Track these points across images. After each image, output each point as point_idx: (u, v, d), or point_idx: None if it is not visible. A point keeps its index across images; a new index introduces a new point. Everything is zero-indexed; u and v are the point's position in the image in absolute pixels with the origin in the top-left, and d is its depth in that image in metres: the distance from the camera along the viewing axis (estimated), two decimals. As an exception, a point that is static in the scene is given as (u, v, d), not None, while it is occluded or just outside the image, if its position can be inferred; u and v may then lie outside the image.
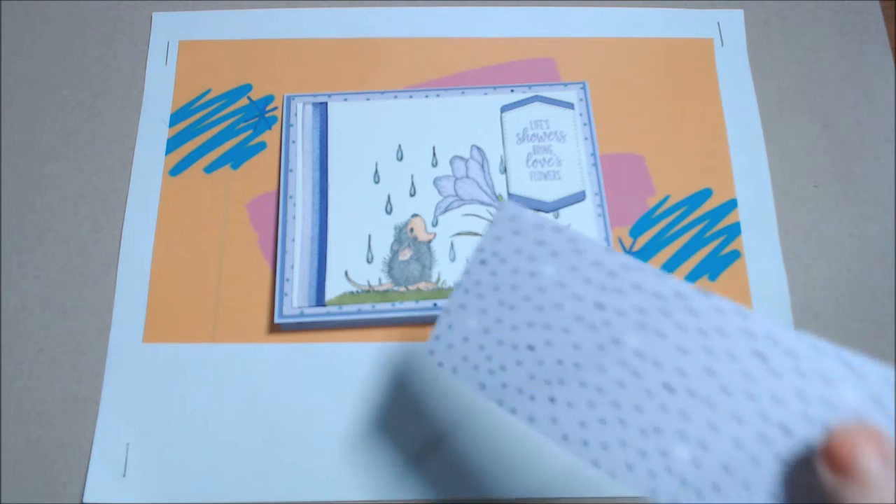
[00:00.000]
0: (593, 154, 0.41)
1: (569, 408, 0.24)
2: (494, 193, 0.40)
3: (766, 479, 0.22)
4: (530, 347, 0.26)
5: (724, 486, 0.22)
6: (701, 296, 0.23)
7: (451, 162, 0.41)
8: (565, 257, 0.25)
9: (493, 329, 0.26)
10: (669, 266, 0.40)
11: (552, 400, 0.25)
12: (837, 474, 0.20)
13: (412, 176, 0.41)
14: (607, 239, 0.39)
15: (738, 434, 0.22)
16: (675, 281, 0.23)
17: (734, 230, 0.41)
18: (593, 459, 0.24)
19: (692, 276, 0.40)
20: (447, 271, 0.39)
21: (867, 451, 0.20)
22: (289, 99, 0.43)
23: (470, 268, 0.27)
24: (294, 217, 0.40)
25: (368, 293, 0.38)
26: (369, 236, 0.39)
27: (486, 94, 0.43)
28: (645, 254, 0.40)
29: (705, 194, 0.42)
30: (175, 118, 0.43)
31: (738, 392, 0.22)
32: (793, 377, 0.22)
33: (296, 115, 0.42)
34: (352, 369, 0.38)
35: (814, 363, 0.22)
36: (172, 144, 0.43)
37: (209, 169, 0.42)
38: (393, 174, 0.41)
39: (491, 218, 0.27)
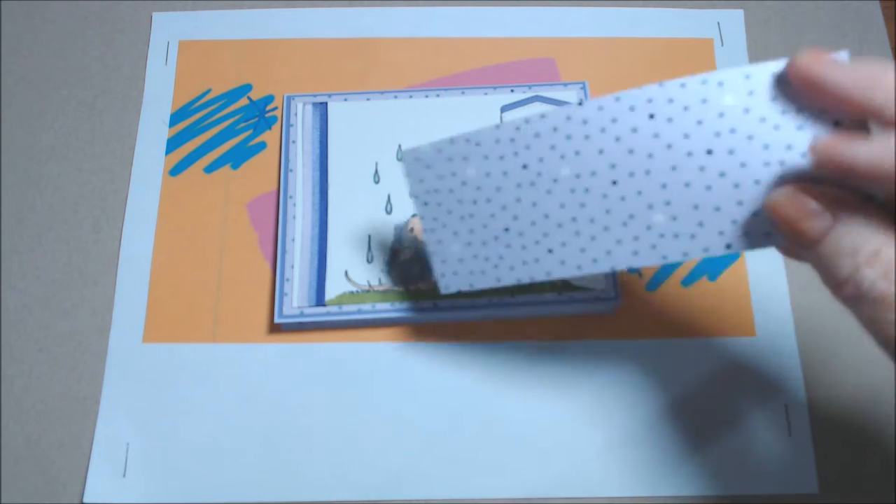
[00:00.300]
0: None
1: (563, 247, 0.28)
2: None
3: (735, 215, 0.25)
4: (506, 229, 0.30)
5: (700, 234, 0.26)
6: (575, 108, 0.27)
7: (451, 162, 0.41)
8: (473, 155, 0.29)
9: (472, 239, 0.31)
10: (673, 262, 0.40)
11: (550, 251, 0.29)
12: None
13: (412, 176, 0.41)
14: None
15: (697, 182, 0.26)
16: (556, 111, 0.28)
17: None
18: (604, 266, 0.28)
19: (691, 276, 0.40)
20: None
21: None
22: (289, 99, 0.43)
23: (421, 213, 0.31)
24: (294, 217, 0.40)
25: (368, 293, 0.38)
26: (369, 236, 0.39)
27: (486, 94, 0.43)
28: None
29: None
30: (175, 118, 0.43)
31: (677, 155, 0.26)
32: (700, 110, 0.25)
33: (296, 115, 0.42)
34: (352, 369, 0.38)
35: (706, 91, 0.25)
36: (172, 144, 0.43)
37: (209, 169, 0.42)
38: (393, 174, 0.41)
39: (405, 172, 0.31)
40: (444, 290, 0.32)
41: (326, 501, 0.36)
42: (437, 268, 0.32)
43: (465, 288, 0.31)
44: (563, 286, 0.38)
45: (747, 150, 0.25)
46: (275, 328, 0.39)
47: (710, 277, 0.40)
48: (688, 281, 0.40)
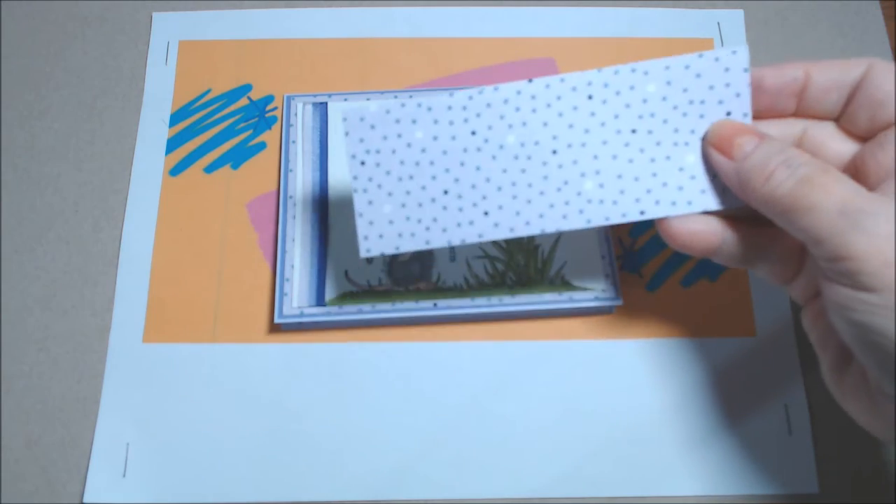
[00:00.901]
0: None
1: (500, 209, 0.30)
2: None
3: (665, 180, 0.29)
4: (445, 191, 0.31)
5: (622, 202, 0.30)
6: (525, 84, 0.30)
7: (451, 162, 0.41)
8: (422, 118, 0.31)
9: (407, 200, 0.31)
10: (673, 262, 0.40)
11: (486, 213, 0.31)
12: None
13: (412, 176, 0.41)
14: (607, 239, 0.39)
15: (622, 155, 0.30)
16: (508, 84, 0.30)
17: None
18: (535, 229, 0.30)
19: (691, 276, 0.40)
20: (447, 271, 0.39)
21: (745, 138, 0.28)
22: (289, 99, 0.43)
23: (355, 173, 0.32)
24: (294, 217, 0.40)
25: (368, 293, 0.38)
26: (369, 236, 0.39)
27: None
28: (645, 253, 0.40)
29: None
30: (175, 118, 0.43)
31: (608, 131, 0.30)
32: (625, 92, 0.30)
33: (296, 114, 0.42)
34: (352, 369, 0.38)
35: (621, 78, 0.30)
36: (172, 144, 0.43)
37: (209, 169, 0.42)
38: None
39: (346, 130, 0.32)
40: (364, 254, 0.32)
41: (326, 501, 0.36)
42: (363, 230, 0.32)
43: (389, 251, 0.31)
44: (563, 286, 0.38)
45: (662, 131, 0.29)
46: (275, 328, 0.39)
47: (711, 278, 0.40)
48: (688, 281, 0.40)
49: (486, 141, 0.30)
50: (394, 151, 0.31)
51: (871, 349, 0.24)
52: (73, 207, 0.42)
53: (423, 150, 0.31)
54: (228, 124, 0.43)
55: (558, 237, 0.39)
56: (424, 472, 0.36)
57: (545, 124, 0.30)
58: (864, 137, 0.29)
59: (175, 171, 0.42)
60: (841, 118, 0.29)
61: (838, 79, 0.28)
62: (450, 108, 0.31)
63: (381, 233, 0.32)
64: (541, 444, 0.37)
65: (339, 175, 0.41)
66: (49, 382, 0.38)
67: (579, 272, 0.39)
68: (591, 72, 0.30)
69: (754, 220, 0.29)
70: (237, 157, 0.42)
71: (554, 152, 0.30)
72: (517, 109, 0.30)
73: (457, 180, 0.31)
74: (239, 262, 0.40)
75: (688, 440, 0.37)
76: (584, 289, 0.38)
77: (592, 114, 0.30)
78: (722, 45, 0.45)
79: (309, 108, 0.42)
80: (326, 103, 0.43)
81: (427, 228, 0.31)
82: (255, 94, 0.44)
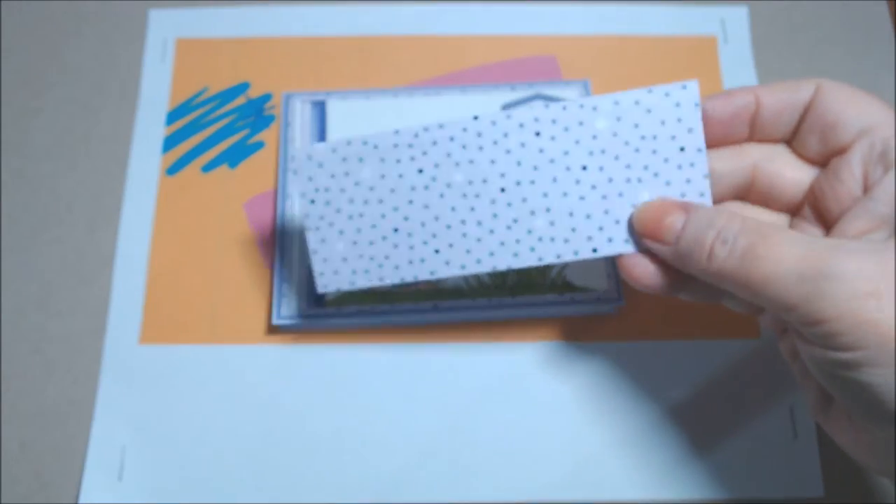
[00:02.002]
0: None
1: (450, 247, 0.30)
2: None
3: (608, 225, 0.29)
4: (395, 230, 0.31)
5: (574, 239, 0.29)
6: (471, 121, 0.30)
7: (451, 161, 0.41)
8: (369, 157, 0.31)
9: (358, 238, 0.31)
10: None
11: (437, 251, 0.31)
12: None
13: (412, 175, 0.40)
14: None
15: (572, 192, 0.29)
16: (453, 122, 0.30)
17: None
18: (486, 267, 0.30)
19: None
20: (447, 272, 0.38)
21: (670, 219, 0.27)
22: (287, 97, 0.42)
23: (306, 211, 0.32)
24: (293, 217, 0.39)
25: (368, 294, 0.38)
26: (368, 236, 0.39)
27: (486, 92, 0.42)
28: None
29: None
30: (172, 116, 0.43)
31: (558, 168, 0.29)
32: (567, 127, 0.29)
33: (294, 113, 0.42)
34: (351, 371, 0.38)
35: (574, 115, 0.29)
36: (169, 143, 0.42)
37: (206, 168, 0.42)
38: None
39: (294, 169, 0.33)
40: (321, 289, 0.32)
41: (325, 505, 0.36)
42: (318, 266, 0.32)
43: (345, 287, 0.32)
44: (565, 287, 0.38)
45: (614, 167, 0.29)
46: (273, 329, 0.38)
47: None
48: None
49: (434, 179, 0.30)
50: (342, 190, 0.31)
51: (855, 399, 0.23)
52: (68, 207, 0.41)
53: (372, 189, 0.31)
54: (226, 123, 0.43)
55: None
56: (423, 475, 0.36)
57: (492, 162, 0.30)
58: (818, 161, 0.28)
59: (172, 170, 0.42)
60: (793, 141, 0.29)
61: (788, 100, 0.28)
62: (395, 146, 0.30)
63: (335, 269, 0.32)
64: (542, 446, 0.36)
65: (338, 174, 0.40)
66: (44, 384, 0.38)
67: (581, 273, 0.38)
68: (538, 107, 0.29)
69: None
70: (235, 156, 0.42)
71: (502, 190, 0.30)
72: (464, 147, 0.30)
73: (406, 218, 0.31)
74: (236, 262, 0.40)
75: (691, 443, 0.36)
76: (586, 290, 0.38)
77: (541, 150, 0.29)
78: (726, 42, 0.45)
79: (308, 106, 0.42)
80: (325, 101, 0.42)
81: (380, 266, 0.31)
82: (253, 93, 0.43)
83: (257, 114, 0.43)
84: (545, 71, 0.44)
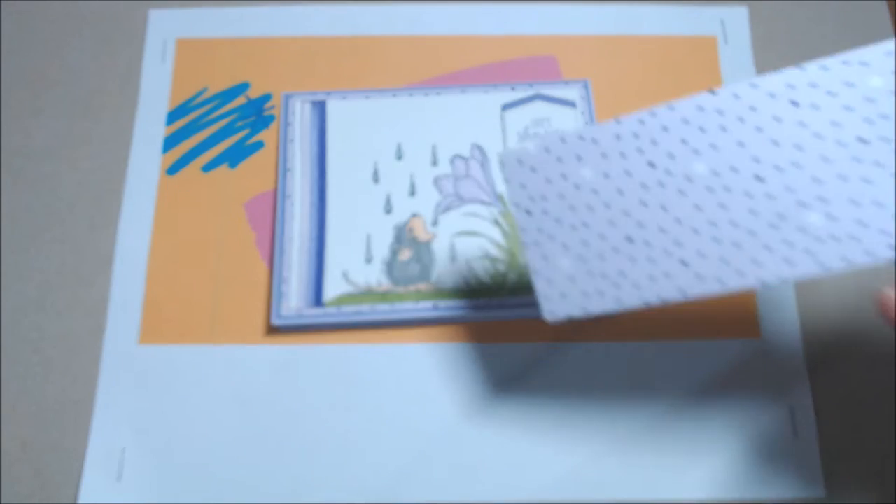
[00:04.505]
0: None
1: (701, 257, 0.25)
2: (495, 193, 0.40)
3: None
4: (628, 239, 0.26)
5: (864, 236, 0.23)
6: (707, 97, 0.24)
7: (451, 161, 0.41)
8: (588, 154, 0.26)
9: (585, 252, 0.26)
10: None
11: (684, 263, 0.25)
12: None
13: (412, 175, 0.40)
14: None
15: (853, 174, 0.23)
16: (684, 100, 0.25)
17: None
18: (751, 280, 0.24)
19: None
20: (447, 272, 0.38)
21: None
22: (287, 97, 0.42)
23: (522, 224, 0.27)
24: (292, 217, 0.39)
25: (367, 294, 0.38)
26: (368, 236, 0.39)
27: (486, 92, 0.42)
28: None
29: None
30: (172, 116, 0.43)
31: (828, 144, 0.23)
32: (828, 101, 0.23)
33: (294, 113, 0.42)
34: (350, 371, 0.38)
35: (832, 76, 0.23)
36: (169, 143, 0.42)
37: (207, 168, 0.42)
38: (392, 173, 0.40)
39: (504, 177, 0.28)
40: (548, 317, 0.27)
41: (324, 505, 0.35)
42: (542, 289, 0.27)
43: (576, 313, 0.27)
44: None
45: None
46: (272, 329, 0.38)
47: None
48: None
49: (669, 173, 0.25)
50: (561, 196, 0.26)
51: None
52: (69, 206, 0.41)
53: (595, 192, 0.26)
54: (226, 123, 0.43)
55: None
56: (423, 475, 0.36)
57: (741, 144, 0.24)
58: None
59: (172, 169, 0.42)
60: None
61: None
62: (618, 137, 0.26)
63: (562, 291, 0.27)
64: (542, 446, 0.36)
65: (338, 174, 0.40)
66: (43, 384, 0.38)
67: (581, 273, 0.38)
68: (791, 70, 0.24)
69: None
70: (235, 156, 0.42)
71: (758, 179, 0.24)
72: (702, 130, 0.25)
73: (640, 225, 0.25)
74: (236, 262, 0.40)
75: (691, 443, 0.36)
76: (587, 290, 0.37)
77: (801, 124, 0.24)
78: (726, 43, 0.45)
79: (307, 106, 0.42)
80: (325, 102, 0.42)
81: (616, 285, 0.26)
82: (253, 93, 0.43)
83: (257, 114, 0.43)
84: (545, 71, 0.44)
